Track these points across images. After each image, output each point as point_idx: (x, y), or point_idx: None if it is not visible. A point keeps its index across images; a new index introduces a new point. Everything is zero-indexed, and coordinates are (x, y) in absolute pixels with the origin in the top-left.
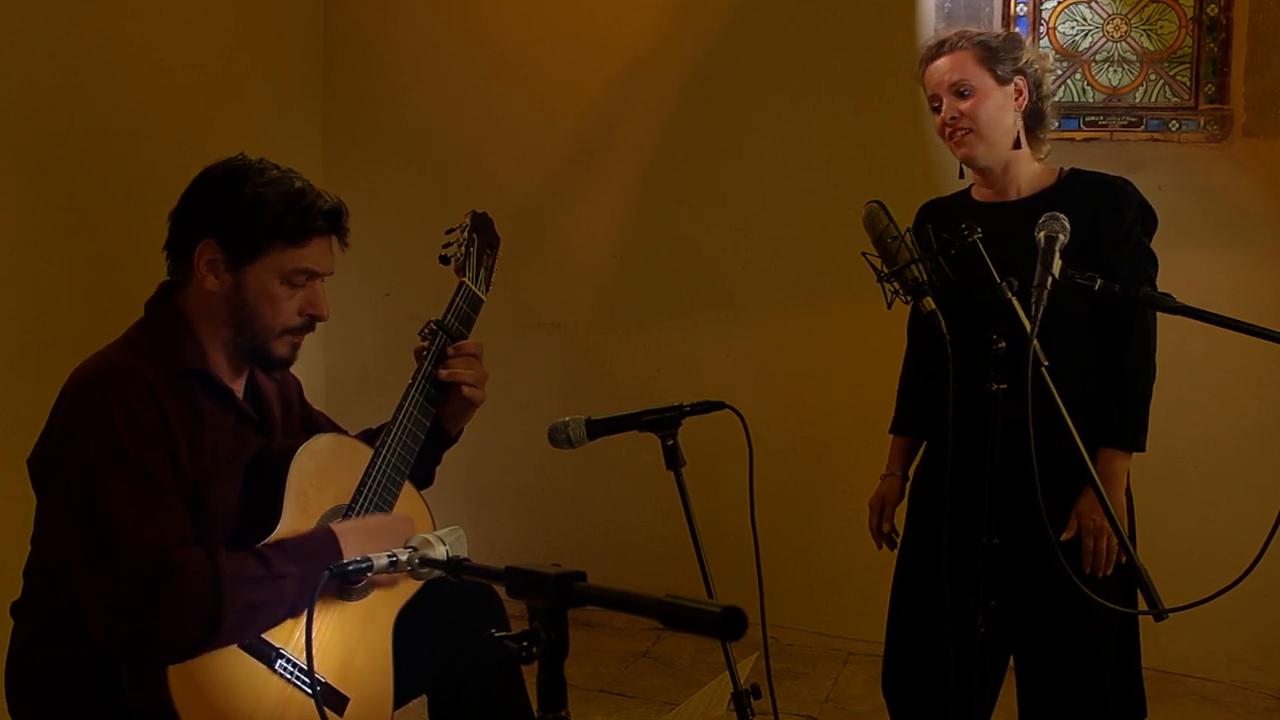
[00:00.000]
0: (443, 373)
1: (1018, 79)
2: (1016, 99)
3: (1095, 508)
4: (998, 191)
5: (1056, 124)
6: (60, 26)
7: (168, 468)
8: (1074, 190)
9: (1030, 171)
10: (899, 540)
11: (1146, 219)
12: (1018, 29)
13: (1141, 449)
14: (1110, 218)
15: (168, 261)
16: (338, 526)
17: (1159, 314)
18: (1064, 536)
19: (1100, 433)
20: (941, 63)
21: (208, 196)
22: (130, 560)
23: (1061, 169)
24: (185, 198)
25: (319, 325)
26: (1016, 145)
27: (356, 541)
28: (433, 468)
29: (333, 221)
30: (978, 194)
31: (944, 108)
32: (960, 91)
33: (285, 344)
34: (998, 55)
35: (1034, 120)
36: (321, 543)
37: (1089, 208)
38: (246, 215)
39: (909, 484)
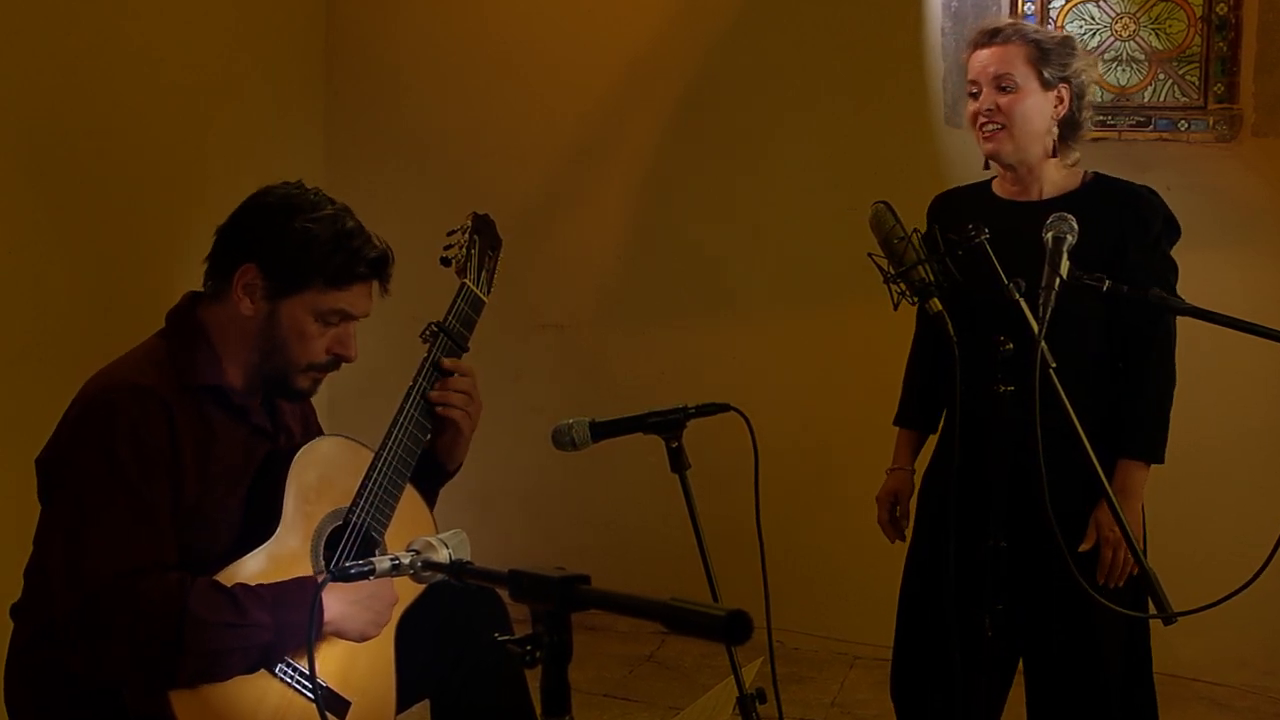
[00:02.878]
0: (433, 394)
1: (1061, 86)
2: (1056, 106)
3: (1114, 521)
4: (1021, 190)
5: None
6: (60, 26)
7: (165, 492)
8: (1099, 196)
9: (1055, 174)
10: (908, 532)
11: (1171, 230)
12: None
13: (1161, 460)
14: (1137, 228)
15: (205, 274)
16: (328, 587)
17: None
18: (1082, 548)
19: (1120, 444)
20: (989, 52)
21: (258, 221)
22: (96, 580)
23: (1085, 172)
24: (236, 217)
25: None
26: (1050, 151)
27: (340, 595)
28: (431, 499)
29: (377, 269)
30: (1000, 189)
31: (981, 97)
32: (1002, 85)
33: (308, 379)
34: (1048, 58)
35: (1069, 129)
36: (303, 594)
37: (1115, 216)
38: (293, 249)
39: (917, 486)
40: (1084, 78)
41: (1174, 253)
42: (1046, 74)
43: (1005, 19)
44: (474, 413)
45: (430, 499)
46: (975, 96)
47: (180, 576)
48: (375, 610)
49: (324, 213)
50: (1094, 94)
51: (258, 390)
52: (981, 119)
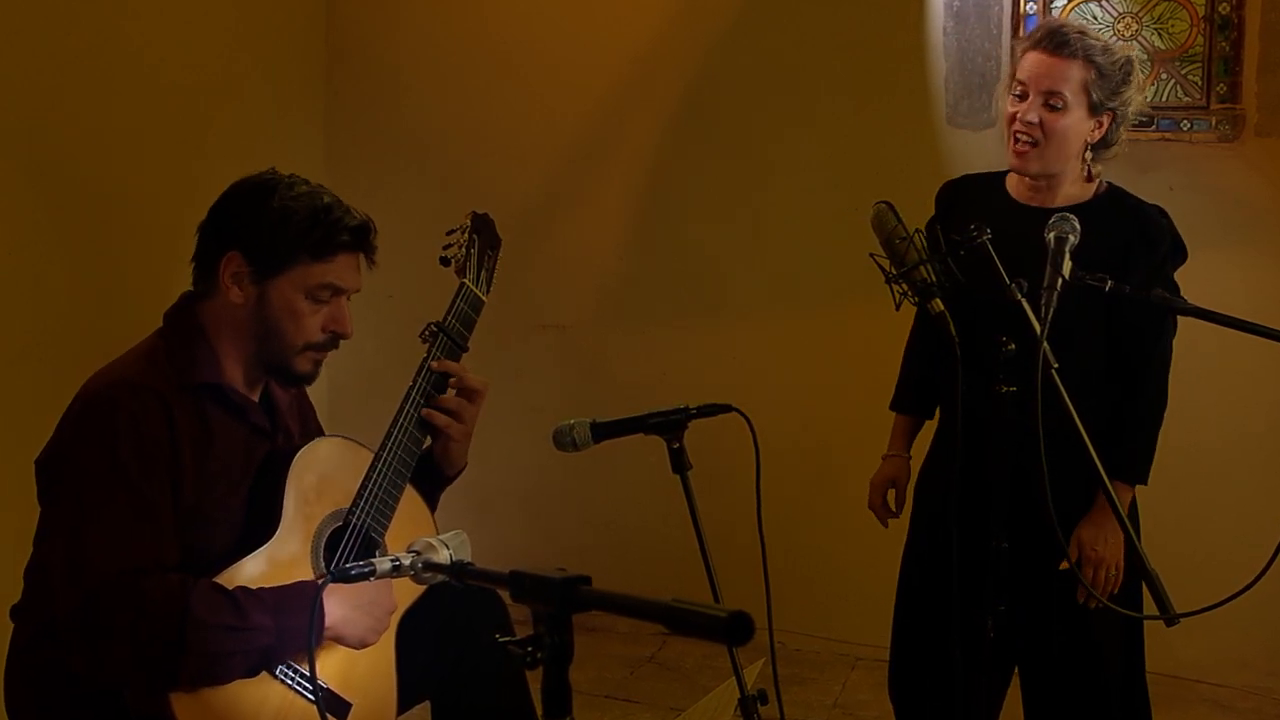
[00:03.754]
0: (424, 411)
1: (1106, 114)
2: (1094, 130)
3: (1096, 538)
4: (1036, 196)
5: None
6: (60, 26)
7: (165, 491)
8: (1110, 210)
9: (1073, 186)
10: (904, 530)
11: (1177, 254)
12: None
13: (1145, 482)
14: (1144, 248)
15: (194, 273)
16: (327, 589)
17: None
18: (1063, 566)
19: (1109, 464)
20: (1049, 61)
21: (235, 209)
22: (98, 578)
23: (1100, 182)
24: (213, 210)
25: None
26: (1084, 175)
27: (341, 600)
28: (432, 504)
29: (359, 238)
30: (1013, 189)
31: (1026, 106)
32: (1050, 102)
33: (307, 360)
34: (1104, 84)
35: (1098, 148)
36: (304, 598)
37: (1123, 232)
38: (272, 228)
39: (914, 484)
40: (1130, 107)
41: None
42: (1095, 98)
43: (1073, 23)
44: (467, 418)
45: (431, 503)
46: (1020, 98)
47: (182, 578)
48: (375, 617)
49: (299, 190)
50: (1131, 120)
51: (259, 383)
52: (1018, 129)
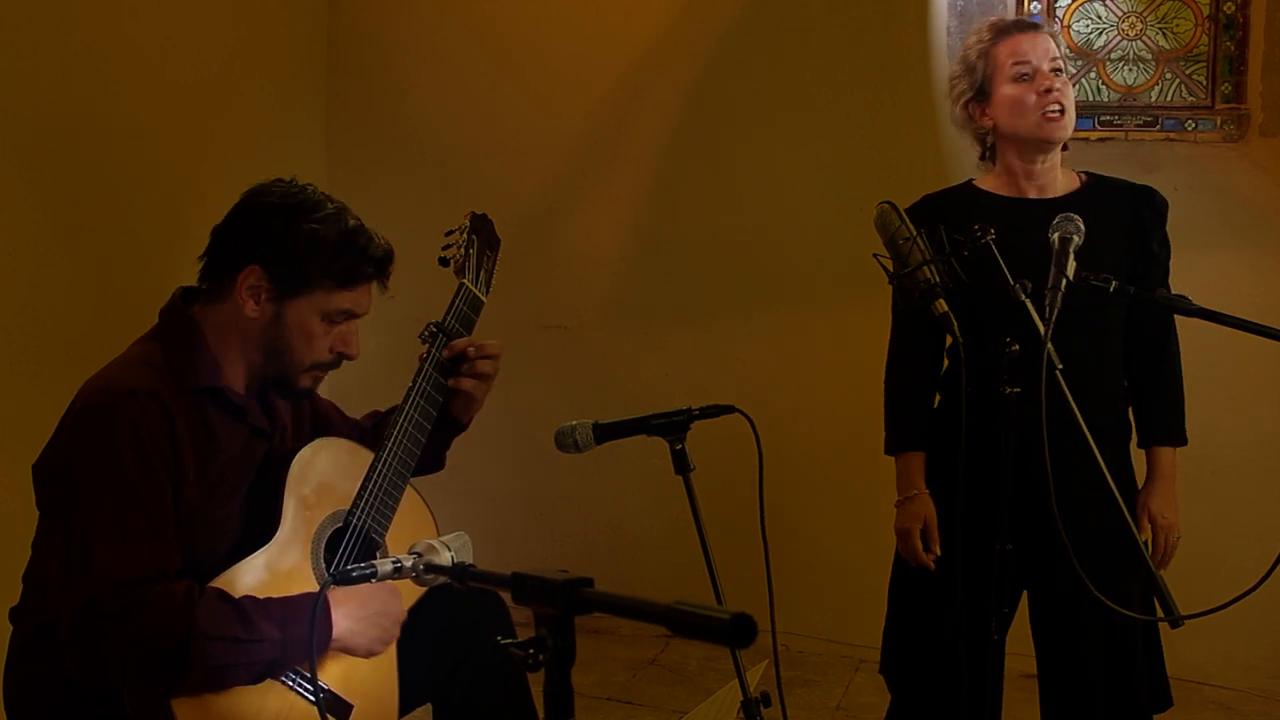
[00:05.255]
0: (459, 369)
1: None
2: None
3: (1165, 505)
4: (1036, 187)
5: None
6: (60, 26)
7: (165, 496)
8: (1107, 194)
9: (1061, 172)
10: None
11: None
12: None
13: (1186, 443)
14: (1155, 221)
15: (202, 272)
16: (334, 595)
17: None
18: (1144, 537)
19: (1153, 432)
20: (1038, 37)
21: (262, 223)
22: (100, 585)
23: (1079, 173)
24: (237, 219)
25: None
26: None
27: (348, 611)
28: (443, 452)
29: (382, 268)
30: (1003, 186)
31: (1044, 79)
32: (1057, 71)
33: (310, 377)
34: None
35: None
36: (310, 609)
37: (1131, 212)
38: (299, 251)
39: None
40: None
41: (1181, 253)
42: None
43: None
44: (489, 375)
45: (439, 459)
46: (1027, 79)
47: (188, 586)
48: (383, 628)
49: (326, 213)
50: None
51: (256, 388)
52: (1051, 100)
